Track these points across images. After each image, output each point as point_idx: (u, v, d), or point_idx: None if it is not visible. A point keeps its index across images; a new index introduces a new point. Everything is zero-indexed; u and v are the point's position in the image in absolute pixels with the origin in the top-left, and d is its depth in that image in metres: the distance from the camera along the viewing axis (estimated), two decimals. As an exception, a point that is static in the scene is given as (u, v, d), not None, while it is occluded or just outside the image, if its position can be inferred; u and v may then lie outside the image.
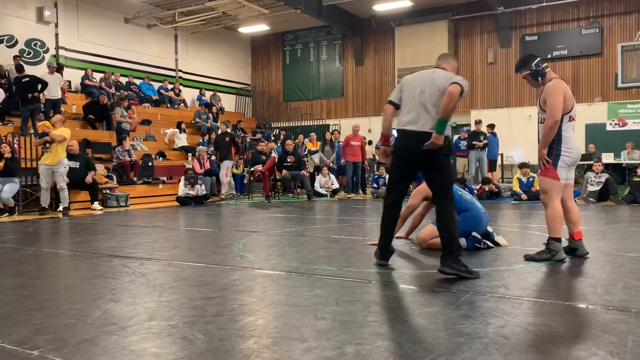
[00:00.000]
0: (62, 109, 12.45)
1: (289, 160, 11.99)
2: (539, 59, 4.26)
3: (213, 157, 13.00)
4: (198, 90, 18.32)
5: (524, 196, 10.19)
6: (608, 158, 13.80)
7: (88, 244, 5.54)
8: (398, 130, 3.89)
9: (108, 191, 10.58)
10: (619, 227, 6.26)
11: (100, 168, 10.96)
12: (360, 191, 12.74)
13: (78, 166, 9.89)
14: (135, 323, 2.62)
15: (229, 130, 13.89)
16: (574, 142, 4.08)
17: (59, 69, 13.00)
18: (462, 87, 3.67)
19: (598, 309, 2.73)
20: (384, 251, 4.01)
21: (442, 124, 3.65)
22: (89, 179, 9.84)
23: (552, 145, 4.05)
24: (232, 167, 12.96)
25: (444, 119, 3.65)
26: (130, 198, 10.84)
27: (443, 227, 3.68)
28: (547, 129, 4.02)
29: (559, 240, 4.05)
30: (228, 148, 12.34)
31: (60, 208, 9.06)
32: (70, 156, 9.71)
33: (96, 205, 9.82)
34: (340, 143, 13.74)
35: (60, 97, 12.35)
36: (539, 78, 4.18)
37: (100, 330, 2.51)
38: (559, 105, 3.97)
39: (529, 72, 4.22)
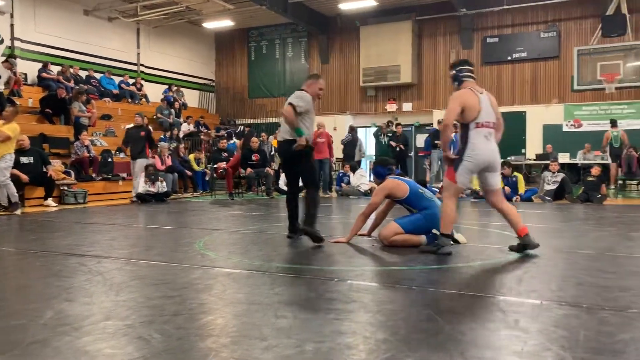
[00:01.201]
0: (16, 102, 12.01)
1: (253, 158, 11.91)
2: (467, 66, 4.46)
3: (122, 154, 11.98)
4: (162, 86, 17.97)
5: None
6: (564, 158, 14.23)
7: (43, 241, 5.37)
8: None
9: (65, 188, 10.28)
10: (573, 225, 6.46)
11: (57, 164, 10.65)
12: (328, 191, 12.58)
13: (32, 161, 9.56)
14: (90, 323, 2.55)
15: (151, 122, 12.67)
16: (482, 149, 4.20)
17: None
18: (292, 105, 4.94)
19: (552, 304, 2.81)
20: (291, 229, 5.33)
21: (295, 130, 4.93)
22: (51, 172, 9.57)
23: (462, 149, 4.27)
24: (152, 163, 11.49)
25: (292, 128, 4.96)
26: (88, 195, 10.55)
27: (309, 210, 4.95)
28: (441, 134, 4.46)
29: (447, 236, 4.24)
30: (143, 144, 10.76)
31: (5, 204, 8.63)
32: (23, 151, 9.37)
33: (50, 201, 9.53)
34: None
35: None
36: (456, 83, 4.43)
37: (53, 331, 2.43)
38: (450, 113, 4.23)
39: (452, 74, 4.48)
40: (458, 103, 4.21)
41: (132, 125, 11.42)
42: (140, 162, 10.69)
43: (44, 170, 9.69)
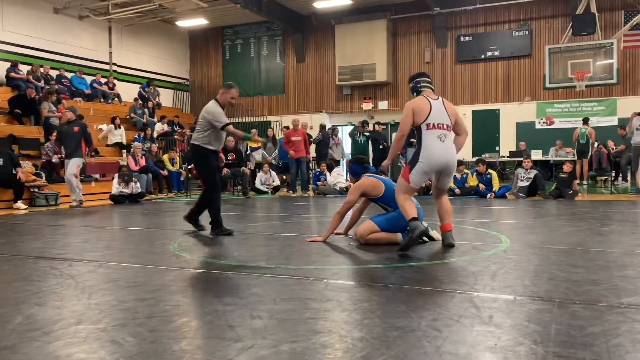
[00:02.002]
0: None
1: (229, 157, 11.83)
2: (423, 78, 4.71)
3: (55, 159, 10.89)
4: (136, 85, 17.70)
5: (457, 191, 10.52)
6: (537, 155, 14.48)
7: (12, 245, 5.25)
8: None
9: (36, 190, 10.06)
10: (546, 221, 6.57)
11: (27, 165, 10.42)
12: (308, 190, 12.50)
13: (1, 162, 9.36)
14: (60, 328, 2.49)
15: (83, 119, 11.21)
16: (435, 150, 4.36)
17: None
18: (226, 125, 5.56)
19: (525, 299, 2.85)
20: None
21: (244, 137, 5.89)
22: (20, 175, 9.35)
23: (416, 151, 4.45)
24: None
25: (242, 137, 5.94)
26: (60, 197, 10.34)
27: (212, 207, 5.66)
28: (395, 141, 4.65)
29: (414, 219, 4.29)
30: (77, 141, 9.59)
31: None
32: None
33: (20, 204, 9.31)
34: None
35: None
36: (414, 94, 4.65)
37: (22, 337, 2.37)
38: (404, 121, 4.45)
39: (410, 86, 4.74)
40: (409, 110, 4.45)
41: (64, 119, 10.15)
42: (74, 162, 9.51)
43: (14, 172, 9.47)
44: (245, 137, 5.84)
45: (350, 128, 16.73)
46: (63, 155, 9.93)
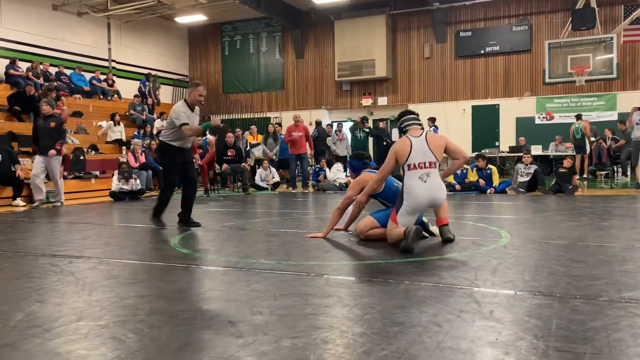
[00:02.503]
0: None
1: (229, 153, 11.81)
2: (409, 116, 4.69)
3: (32, 162, 9.84)
4: (135, 82, 17.67)
5: (457, 187, 10.52)
6: (537, 150, 14.49)
7: (12, 242, 5.24)
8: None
9: (36, 187, 10.04)
10: (546, 216, 6.57)
11: (27, 162, 10.40)
12: (308, 186, 12.46)
13: (0, 159, 9.34)
14: (61, 324, 2.49)
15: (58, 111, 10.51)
16: (417, 191, 4.33)
17: None
18: (182, 125, 5.68)
19: (525, 294, 2.85)
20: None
21: (203, 127, 5.98)
22: (19, 173, 9.33)
23: (400, 192, 4.48)
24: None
25: (200, 134, 6.64)
26: (60, 194, 10.33)
27: (161, 199, 6.11)
28: (374, 181, 4.70)
29: (405, 231, 4.15)
30: (53, 137, 9.13)
31: None
32: None
33: (19, 201, 9.30)
34: (282, 136, 13.69)
35: None
36: (401, 135, 4.69)
37: (23, 334, 2.37)
38: (385, 165, 4.55)
39: (398, 127, 4.78)
40: (392, 153, 4.53)
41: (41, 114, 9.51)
42: (55, 163, 9.18)
43: (13, 169, 9.46)
44: (204, 127, 5.95)
45: (349, 124, 16.73)
46: (37, 150, 9.36)
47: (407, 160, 4.39)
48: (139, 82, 17.39)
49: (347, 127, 16.02)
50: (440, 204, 4.45)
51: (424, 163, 4.37)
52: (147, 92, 16.84)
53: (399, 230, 4.28)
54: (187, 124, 5.70)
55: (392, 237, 4.40)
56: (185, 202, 6.12)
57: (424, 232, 4.82)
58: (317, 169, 12.68)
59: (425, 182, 4.34)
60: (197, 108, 5.93)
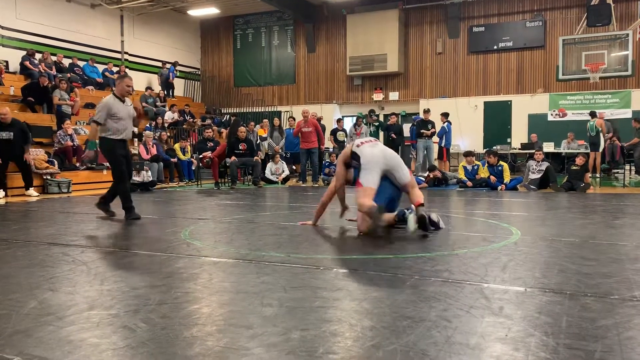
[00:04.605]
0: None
1: (241, 147, 11.84)
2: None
3: (44, 152, 10.41)
4: (147, 74, 17.79)
5: (469, 183, 10.47)
6: (549, 147, 14.37)
7: (26, 231, 5.31)
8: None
9: (49, 177, 10.16)
10: (557, 214, 6.53)
11: (40, 153, 10.51)
12: (318, 180, 12.44)
13: (12, 136, 9.12)
14: (73, 313, 2.52)
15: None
16: (367, 151, 4.82)
17: None
18: (95, 122, 6.07)
19: (535, 291, 2.84)
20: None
21: (90, 143, 6.28)
22: (27, 157, 9.32)
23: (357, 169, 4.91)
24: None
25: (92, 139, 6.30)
26: (72, 184, 10.44)
27: (121, 195, 6.18)
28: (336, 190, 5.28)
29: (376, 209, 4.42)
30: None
31: None
32: (2, 126, 9.03)
33: (31, 191, 9.37)
34: (290, 130, 13.69)
35: None
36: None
37: (36, 321, 2.40)
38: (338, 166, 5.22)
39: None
40: (342, 153, 5.19)
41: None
42: None
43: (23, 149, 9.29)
44: (90, 143, 6.31)
45: (350, 119, 16.67)
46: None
47: (355, 141, 5.04)
48: (152, 74, 17.51)
49: (346, 122, 15.86)
50: (395, 162, 4.82)
51: (370, 140, 5.02)
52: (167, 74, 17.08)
53: (366, 206, 4.49)
54: (100, 122, 5.99)
55: (360, 208, 4.65)
56: (111, 190, 6.38)
57: (396, 221, 4.73)
58: (327, 164, 12.67)
59: (375, 146, 4.88)
60: (127, 99, 6.18)
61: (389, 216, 4.68)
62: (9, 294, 2.90)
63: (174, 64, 17.83)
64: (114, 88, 6.35)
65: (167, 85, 17.46)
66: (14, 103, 12.55)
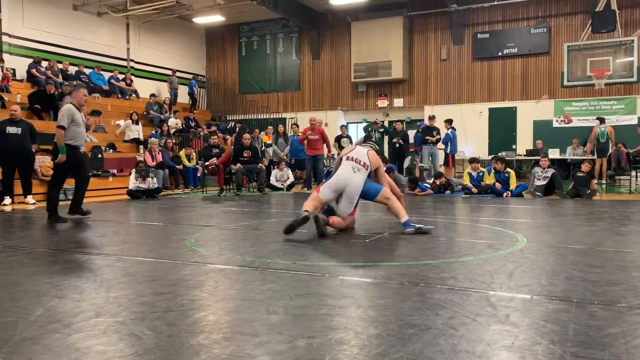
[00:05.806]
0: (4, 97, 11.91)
1: (245, 154, 11.86)
2: (368, 141, 6.07)
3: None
4: (153, 81, 17.90)
5: (474, 190, 10.46)
6: (554, 154, 14.32)
7: (32, 238, 5.33)
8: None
9: (55, 184, 10.17)
10: (563, 220, 6.50)
11: (46, 160, 10.55)
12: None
13: (20, 132, 9.14)
14: (80, 320, 2.53)
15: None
16: (344, 173, 5.32)
17: None
18: (61, 127, 6.46)
19: (542, 299, 2.83)
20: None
21: (60, 148, 6.52)
22: (35, 147, 9.37)
23: (332, 173, 5.51)
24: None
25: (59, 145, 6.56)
26: (78, 191, 10.46)
27: (49, 196, 6.67)
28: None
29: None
30: None
31: None
32: (11, 122, 9.10)
33: (29, 198, 9.36)
34: (295, 137, 13.73)
35: None
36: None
37: (43, 328, 2.41)
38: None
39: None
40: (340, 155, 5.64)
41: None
42: None
43: (30, 147, 9.30)
44: (60, 148, 6.49)
45: (350, 126, 16.70)
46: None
47: (348, 153, 5.47)
48: (159, 81, 17.69)
49: (351, 129, 15.89)
50: (349, 195, 5.25)
51: (360, 162, 5.35)
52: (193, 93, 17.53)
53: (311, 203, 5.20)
54: (64, 127, 6.41)
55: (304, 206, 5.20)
56: (76, 196, 6.89)
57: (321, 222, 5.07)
58: (330, 170, 12.67)
59: (354, 173, 5.28)
60: (83, 108, 6.78)
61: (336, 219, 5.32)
62: (16, 301, 2.91)
63: (195, 77, 18.05)
64: (72, 98, 6.86)
65: (193, 100, 18.17)
66: (22, 110, 12.58)
